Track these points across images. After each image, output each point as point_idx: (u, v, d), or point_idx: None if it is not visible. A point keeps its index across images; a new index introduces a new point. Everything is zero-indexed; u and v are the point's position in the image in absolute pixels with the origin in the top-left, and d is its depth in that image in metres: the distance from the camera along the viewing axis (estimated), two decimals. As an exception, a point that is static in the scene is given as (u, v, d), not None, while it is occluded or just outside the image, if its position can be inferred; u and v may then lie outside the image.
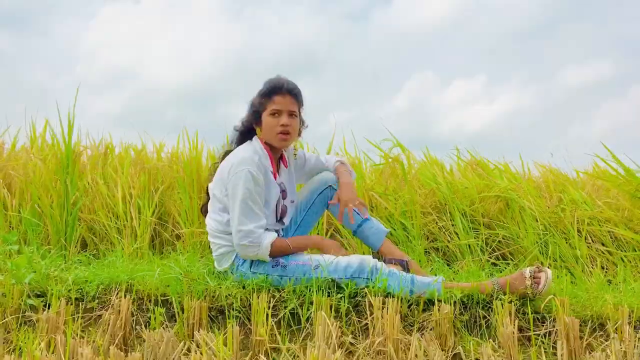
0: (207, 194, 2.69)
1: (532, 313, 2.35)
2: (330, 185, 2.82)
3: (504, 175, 3.87)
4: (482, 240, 3.33)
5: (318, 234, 3.35)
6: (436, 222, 3.45)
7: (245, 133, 2.66)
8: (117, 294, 2.38)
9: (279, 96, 2.54)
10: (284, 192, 2.65)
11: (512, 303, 2.31)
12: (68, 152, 3.28)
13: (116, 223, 3.39)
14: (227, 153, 2.63)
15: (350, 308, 2.34)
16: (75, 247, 3.30)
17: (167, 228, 3.48)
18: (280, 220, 2.65)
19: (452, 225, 3.39)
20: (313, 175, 2.86)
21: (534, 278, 2.37)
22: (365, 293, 2.36)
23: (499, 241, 3.38)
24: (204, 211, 2.74)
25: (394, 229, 3.37)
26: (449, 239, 3.35)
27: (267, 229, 2.51)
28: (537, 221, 3.41)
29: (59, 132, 3.60)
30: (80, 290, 2.41)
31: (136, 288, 2.39)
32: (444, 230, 3.41)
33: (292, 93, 2.56)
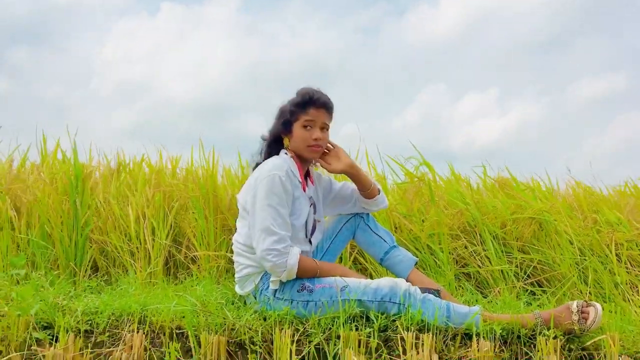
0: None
1: (579, 350, 2.16)
2: (357, 214, 2.70)
3: (535, 194, 3.68)
4: (516, 265, 3.13)
5: (342, 258, 3.17)
6: (466, 247, 3.25)
7: (273, 144, 2.53)
8: (129, 326, 2.21)
9: (313, 109, 2.43)
10: (314, 206, 2.51)
11: (557, 339, 2.12)
12: (77, 171, 3.13)
13: (129, 245, 3.23)
14: (257, 165, 2.51)
15: (381, 344, 2.15)
16: (86, 270, 3.15)
17: (181, 250, 3.31)
18: (309, 238, 2.48)
19: (484, 249, 3.19)
20: (339, 203, 2.71)
21: (581, 312, 2.18)
22: (397, 326, 2.18)
23: (534, 267, 3.17)
24: None
25: (420, 252, 3.19)
26: (480, 264, 3.16)
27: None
28: (572, 244, 3.21)
29: (69, 149, 3.46)
30: (90, 322, 2.25)
31: (149, 320, 2.22)
32: (474, 254, 3.22)
33: (327, 107, 2.46)
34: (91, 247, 3.26)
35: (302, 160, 2.51)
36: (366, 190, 2.60)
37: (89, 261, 3.21)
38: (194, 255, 3.27)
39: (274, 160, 2.41)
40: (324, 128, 2.47)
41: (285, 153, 2.48)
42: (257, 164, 2.51)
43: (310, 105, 2.43)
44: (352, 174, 2.56)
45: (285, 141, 2.49)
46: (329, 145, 2.57)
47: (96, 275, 3.20)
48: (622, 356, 2.03)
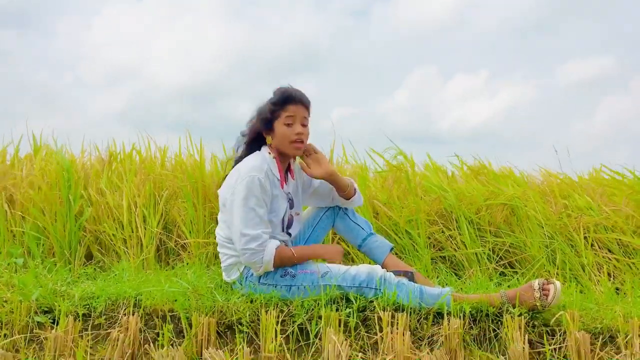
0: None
1: (542, 326, 2.34)
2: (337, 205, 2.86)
3: (509, 181, 3.86)
4: (489, 249, 3.32)
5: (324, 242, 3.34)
6: (442, 231, 3.43)
7: (253, 141, 2.65)
8: (125, 309, 2.37)
9: (292, 105, 2.54)
10: (291, 202, 2.64)
11: (522, 316, 2.30)
12: (67, 164, 3.26)
13: (122, 233, 3.38)
14: (236, 162, 2.63)
15: (359, 323, 2.33)
16: (81, 258, 3.29)
17: (172, 238, 3.46)
18: (286, 231, 2.64)
19: (459, 233, 3.37)
20: (318, 198, 2.86)
21: (542, 290, 2.36)
22: (374, 307, 2.35)
23: (506, 250, 3.36)
24: None
25: (400, 238, 3.36)
26: (456, 248, 3.34)
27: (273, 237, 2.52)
28: (543, 228, 3.40)
29: (60, 138, 3.58)
30: (87, 306, 2.40)
31: (143, 304, 2.37)
32: (450, 239, 3.40)
33: (304, 102, 2.57)
34: (85, 236, 3.40)
35: (283, 157, 2.63)
36: (343, 192, 2.75)
37: (84, 249, 3.35)
38: (184, 243, 3.42)
39: (253, 160, 2.53)
40: (304, 124, 2.58)
41: (269, 152, 2.59)
42: (236, 161, 2.63)
43: (289, 102, 2.54)
44: (331, 180, 2.69)
45: (268, 139, 2.60)
46: (312, 148, 2.68)
47: (91, 262, 3.34)
48: (580, 332, 2.21)
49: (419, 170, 4.06)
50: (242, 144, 2.69)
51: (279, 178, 2.58)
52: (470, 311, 2.35)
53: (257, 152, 2.61)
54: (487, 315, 2.38)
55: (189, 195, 3.38)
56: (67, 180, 3.26)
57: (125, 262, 3.10)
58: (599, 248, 3.44)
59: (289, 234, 2.67)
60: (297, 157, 2.73)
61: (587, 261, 3.23)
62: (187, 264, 3.13)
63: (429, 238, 3.42)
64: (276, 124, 2.56)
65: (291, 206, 2.65)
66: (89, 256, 3.43)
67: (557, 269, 3.16)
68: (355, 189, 2.81)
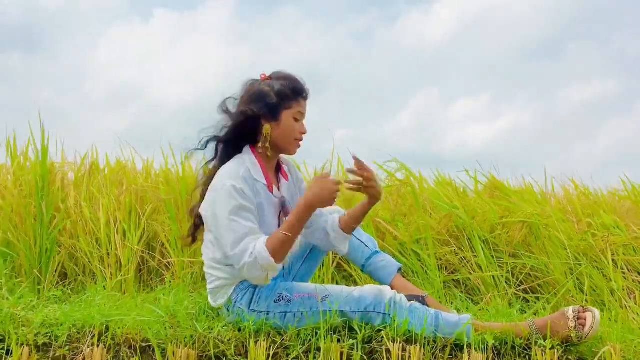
0: (195, 217, 2.33)
1: (577, 361, 2.02)
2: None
3: (525, 197, 3.54)
4: (508, 272, 2.98)
5: (323, 265, 3.00)
6: (455, 252, 3.10)
7: (244, 126, 2.18)
8: (92, 338, 2.03)
9: (303, 100, 2.21)
10: (285, 207, 2.25)
11: (555, 349, 1.97)
12: (43, 171, 2.95)
13: (99, 250, 3.04)
14: (215, 170, 2.21)
15: (364, 356, 1.99)
16: (54, 277, 2.96)
17: (155, 257, 3.13)
18: None
19: (474, 255, 3.04)
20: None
21: (578, 319, 2.04)
22: (382, 337, 2.02)
23: (527, 273, 3.03)
24: (191, 236, 2.38)
25: (407, 259, 3.03)
26: (471, 271, 3.01)
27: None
28: (566, 249, 3.07)
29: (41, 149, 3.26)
30: (49, 335, 2.07)
31: (112, 333, 2.04)
32: (464, 260, 3.07)
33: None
34: (59, 252, 3.07)
35: (274, 156, 2.25)
36: (358, 224, 2.37)
37: (57, 268, 3.02)
38: (167, 262, 3.09)
39: (227, 166, 2.15)
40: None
41: (249, 152, 2.22)
42: (215, 169, 2.21)
43: (301, 95, 2.20)
44: (373, 205, 2.30)
45: (266, 128, 2.17)
46: (367, 167, 2.23)
47: (64, 282, 3.01)
48: (625, 368, 1.89)
49: (427, 185, 3.75)
50: (226, 125, 2.23)
51: (265, 183, 2.19)
52: (493, 343, 2.02)
53: (237, 156, 2.21)
54: (513, 347, 2.04)
55: (172, 209, 3.05)
56: (41, 190, 2.94)
57: (100, 284, 2.77)
58: (628, 271, 3.11)
59: None
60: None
61: (617, 286, 2.90)
62: (170, 285, 2.79)
63: (440, 259, 3.09)
64: (285, 114, 2.17)
65: (285, 212, 2.24)
66: (63, 275, 3.10)
67: (586, 295, 2.83)
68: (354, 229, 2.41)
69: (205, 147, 2.27)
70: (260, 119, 2.16)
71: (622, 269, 3.08)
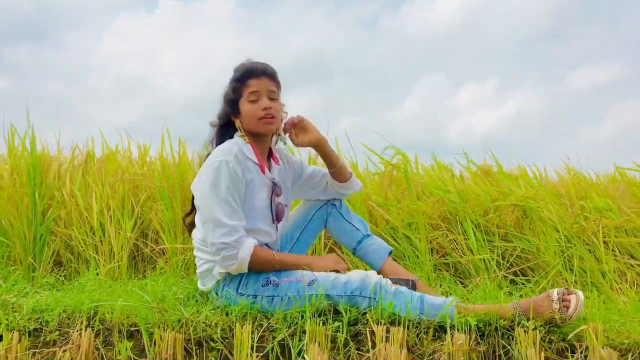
0: (193, 203, 2.38)
1: (560, 342, 2.03)
2: (329, 201, 2.55)
3: (520, 181, 3.54)
4: (498, 255, 2.99)
5: (315, 249, 3.03)
6: (446, 235, 3.11)
7: (224, 128, 2.36)
8: (81, 324, 2.06)
9: (254, 79, 2.26)
10: (276, 188, 2.33)
11: (537, 330, 1.98)
12: (34, 160, 2.97)
13: (92, 239, 3.07)
14: (209, 155, 2.32)
15: (349, 338, 2.01)
16: (48, 265, 2.99)
17: (148, 244, 3.15)
18: (275, 222, 2.33)
19: (465, 238, 3.05)
20: (310, 187, 2.56)
21: (562, 301, 2.05)
22: (367, 320, 2.04)
23: (517, 255, 3.03)
24: (188, 224, 2.44)
25: (399, 243, 3.04)
26: (462, 254, 3.02)
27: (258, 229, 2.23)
28: (558, 231, 3.08)
29: (38, 140, 3.29)
30: (39, 320, 2.10)
31: (100, 317, 2.07)
32: (455, 243, 3.07)
33: (267, 73, 2.29)
34: (54, 241, 3.10)
35: (259, 140, 2.34)
36: (334, 167, 2.47)
37: (52, 256, 3.06)
38: (161, 249, 3.11)
39: (222, 145, 2.26)
40: (273, 98, 2.29)
41: (240, 136, 2.31)
42: (209, 154, 2.32)
43: (249, 77, 2.27)
44: (319, 149, 2.43)
45: (237, 123, 2.31)
46: (296, 119, 2.42)
47: (59, 270, 3.05)
48: (605, 347, 1.90)
49: (421, 170, 3.75)
50: (214, 134, 2.40)
51: (256, 162, 2.27)
52: (477, 324, 2.03)
53: (230, 139, 2.31)
54: (496, 329, 2.05)
55: (166, 196, 3.08)
56: (34, 179, 2.97)
57: (93, 271, 2.80)
58: (620, 253, 3.11)
59: (277, 228, 2.35)
60: (276, 142, 2.47)
61: (607, 268, 2.90)
62: (162, 271, 2.82)
63: (431, 243, 3.10)
64: (241, 103, 2.28)
65: (277, 193, 2.33)
66: (59, 264, 3.13)
67: (575, 276, 2.83)
68: (350, 173, 2.53)
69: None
70: (230, 117, 2.33)
71: (614, 251, 3.09)
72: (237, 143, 2.26)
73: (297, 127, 2.42)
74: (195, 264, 2.37)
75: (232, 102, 2.30)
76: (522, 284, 2.84)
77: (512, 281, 2.91)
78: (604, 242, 3.06)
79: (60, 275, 2.82)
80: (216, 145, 2.32)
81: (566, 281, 2.85)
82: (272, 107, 2.26)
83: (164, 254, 3.11)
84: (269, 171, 2.34)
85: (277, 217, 2.33)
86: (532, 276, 2.94)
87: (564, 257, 2.96)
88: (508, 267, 2.99)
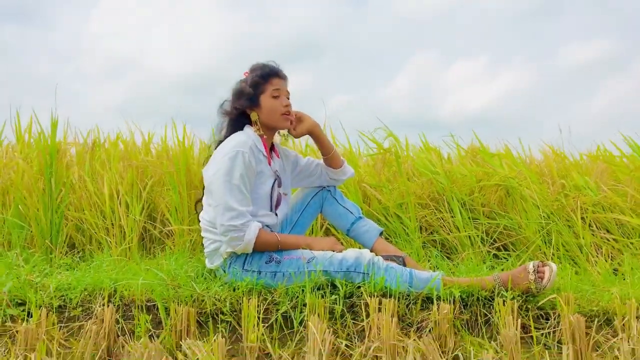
0: (204, 187, 2.59)
1: (535, 310, 2.25)
2: (324, 187, 2.78)
3: (503, 161, 3.75)
4: (483, 231, 3.22)
5: (312, 231, 3.24)
6: (434, 214, 3.33)
7: (238, 119, 2.57)
8: (101, 300, 2.27)
9: (277, 79, 2.53)
10: (278, 179, 2.56)
11: (515, 300, 2.20)
12: (52, 148, 3.16)
13: (104, 222, 3.28)
14: (220, 142, 2.54)
15: (345, 310, 2.23)
16: (63, 247, 3.20)
17: (157, 226, 3.36)
18: (274, 210, 2.54)
19: (452, 216, 3.27)
20: (306, 176, 2.79)
21: (537, 272, 2.27)
22: (362, 293, 2.26)
23: (500, 232, 3.26)
24: (199, 208, 2.65)
25: (390, 223, 3.26)
26: (449, 231, 3.24)
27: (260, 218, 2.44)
28: (539, 209, 3.30)
29: (46, 127, 3.46)
30: (63, 298, 2.31)
31: (120, 294, 2.28)
32: (442, 221, 3.30)
33: (285, 77, 2.57)
34: (67, 225, 3.30)
35: (270, 134, 2.57)
36: (328, 154, 2.70)
37: (66, 239, 3.26)
38: (168, 230, 3.32)
39: (238, 136, 2.45)
40: (288, 97, 2.55)
41: (252, 128, 2.52)
42: (220, 141, 2.53)
43: (273, 76, 2.52)
44: (316, 134, 2.66)
45: (254, 115, 2.52)
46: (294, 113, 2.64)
47: (73, 252, 3.25)
48: (575, 315, 2.11)
49: (411, 152, 3.95)
50: (225, 124, 2.60)
51: (265, 154, 2.50)
52: (460, 295, 2.26)
53: (241, 131, 2.53)
54: (478, 299, 2.28)
55: (173, 181, 3.28)
56: (50, 166, 3.16)
57: (106, 252, 3.01)
58: (597, 229, 3.34)
59: (276, 215, 2.57)
60: (278, 138, 2.68)
61: (584, 242, 3.13)
62: (170, 252, 3.03)
63: (420, 221, 3.32)
64: (263, 98, 2.51)
65: (279, 184, 2.56)
66: (71, 246, 3.34)
67: (554, 249, 3.06)
68: (342, 160, 2.77)
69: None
70: (246, 110, 2.53)
71: (591, 226, 3.31)
72: (251, 136, 2.47)
73: (295, 120, 2.63)
74: (202, 244, 2.59)
75: (251, 96, 2.51)
76: (505, 258, 3.07)
77: (495, 256, 3.14)
78: (582, 218, 3.28)
79: (76, 257, 3.02)
80: (226, 134, 2.53)
81: (544, 255, 3.07)
82: (290, 105, 2.54)
83: (171, 235, 3.32)
84: (273, 163, 2.56)
85: (275, 205, 2.54)
86: (514, 251, 3.16)
87: (544, 233, 3.19)
88: (492, 243, 3.22)
